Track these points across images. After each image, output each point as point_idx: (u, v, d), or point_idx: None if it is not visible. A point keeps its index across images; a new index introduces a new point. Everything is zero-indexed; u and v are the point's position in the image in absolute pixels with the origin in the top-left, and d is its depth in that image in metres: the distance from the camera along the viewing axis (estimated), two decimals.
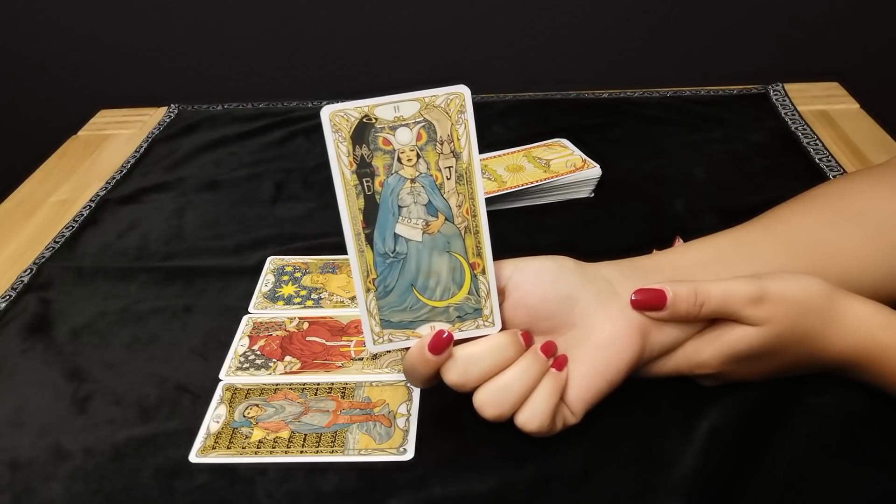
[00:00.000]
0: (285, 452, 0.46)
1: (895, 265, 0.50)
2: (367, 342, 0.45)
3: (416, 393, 0.50)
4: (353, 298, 0.59)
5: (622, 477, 0.44)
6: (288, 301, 0.60)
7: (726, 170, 0.75)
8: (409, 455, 0.46)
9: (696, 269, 0.48)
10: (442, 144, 0.42)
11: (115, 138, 0.92)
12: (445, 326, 0.44)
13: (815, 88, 0.90)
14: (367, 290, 0.44)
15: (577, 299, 0.44)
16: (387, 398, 0.50)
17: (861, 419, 0.46)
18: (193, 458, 0.47)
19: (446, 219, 0.43)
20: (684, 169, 0.76)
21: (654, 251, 0.52)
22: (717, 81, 0.95)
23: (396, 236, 0.43)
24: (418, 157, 0.42)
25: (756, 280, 0.43)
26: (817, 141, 0.78)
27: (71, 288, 0.64)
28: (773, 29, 1.17)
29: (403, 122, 0.42)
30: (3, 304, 0.62)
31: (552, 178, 0.71)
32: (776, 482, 0.43)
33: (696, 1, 1.16)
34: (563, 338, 0.45)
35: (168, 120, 0.95)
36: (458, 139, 0.42)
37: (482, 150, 0.75)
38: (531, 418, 0.42)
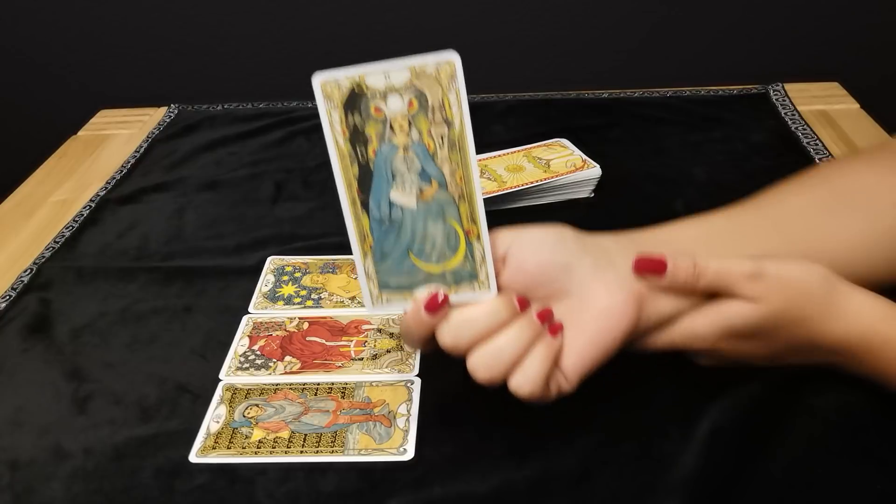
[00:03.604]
0: (285, 452, 0.47)
1: (886, 252, 0.50)
2: (366, 304, 0.45)
3: (416, 393, 0.50)
4: (352, 298, 0.59)
5: (622, 477, 0.44)
6: (288, 301, 0.60)
7: (726, 170, 0.75)
8: (409, 455, 0.46)
9: (691, 245, 0.48)
10: (433, 112, 0.42)
11: (115, 138, 0.92)
12: (442, 289, 0.44)
13: (815, 88, 0.90)
14: (365, 255, 0.44)
15: (574, 268, 0.44)
16: (387, 398, 0.50)
17: (861, 419, 0.46)
18: (193, 458, 0.47)
19: (440, 186, 0.43)
20: (684, 169, 0.76)
21: (652, 226, 0.52)
22: (717, 81, 0.95)
23: (391, 203, 0.43)
24: (410, 125, 0.42)
25: (755, 260, 0.44)
26: (817, 141, 0.78)
27: (71, 288, 0.64)
28: (773, 29, 1.17)
29: (394, 91, 0.41)
30: (4, 304, 0.62)
31: (552, 178, 0.71)
32: (776, 482, 0.43)
33: (696, 1, 1.16)
34: (559, 306, 0.44)
35: (168, 120, 0.95)
36: (450, 107, 0.42)
37: (482, 150, 0.75)
38: (523, 383, 0.42)
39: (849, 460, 0.44)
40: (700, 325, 0.45)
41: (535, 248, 0.45)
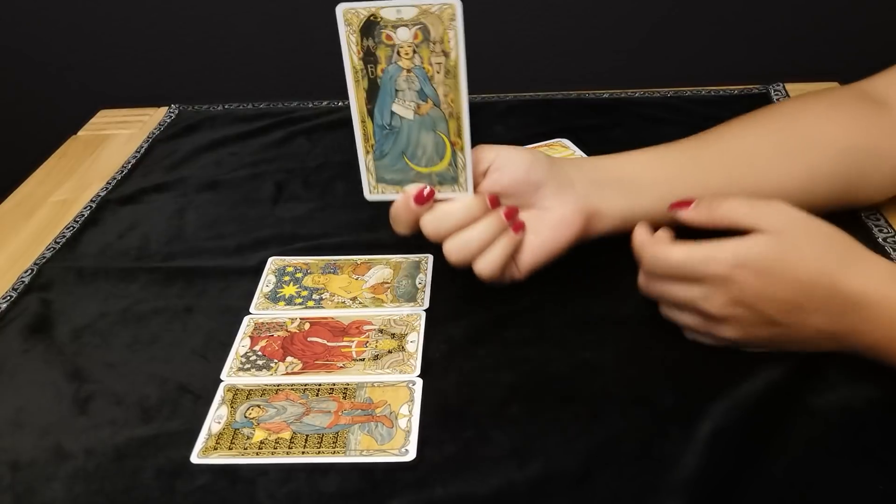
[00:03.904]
0: (287, 453, 0.47)
1: (824, 190, 0.58)
2: (365, 192, 0.55)
3: (418, 394, 0.50)
4: (354, 299, 0.60)
5: (623, 477, 0.44)
6: (289, 301, 0.60)
7: None
8: (411, 456, 0.46)
9: (646, 174, 0.56)
10: (434, 44, 0.50)
11: (115, 138, 0.92)
12: (428, 185, 0.53)
13: (816, 88, 0.90)
14: (367, 152, 0.53)
15: (541, 185, 0.54)
16: (388, 399, 0.50)
17: (861, 419, 0.46)
18: (195, 458, 0.47)
19: (434, 104, 0.52)
20: None
21: (617, 153, 0.60)
22: (717, 81, 0.95)
23: (392, 114, 0.52)
24: (414, 52, 0.51)
25: (769, 199, 0.48)
26: None
27: (72, 288, 0.64)
28: (773, 29, 1.17)
29: (403, 23, 0.50)
30: (4, 305, 0.62)
31: None
32: (777, 482, 0.43)
33: (696, 1, 1.16)
34: (525, 214, 0.54)
35: (168, 120, 0.95)
36: (448, 41, 0.50)
37: None
38: (485, 267, 0.52)
39: (849, 460, 0.44)
40: (719, 250, 0.47)
41: (512, 165, 0.54)
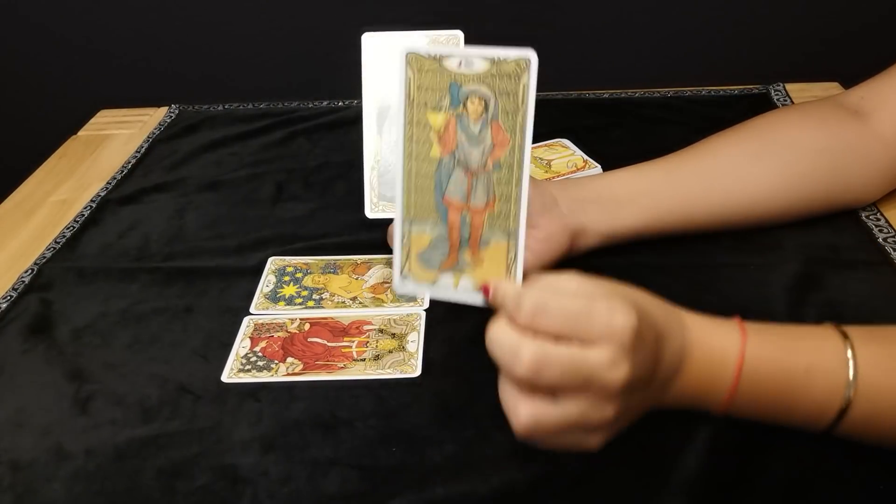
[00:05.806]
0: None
1: (802, 192, 0.60)
2: (366, 209, 0.58)
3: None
4: (353, 299, 0.59)
5: (624, 477, 0.44)
6: (289, 302, 0.60)
7: None
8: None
9: (631, 198, 0.58)
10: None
11: (115, 138, 0.92)
12: None
13: (815, 88, 0.90)
14: (373, 168, 0.57)
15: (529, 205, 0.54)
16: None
17: None
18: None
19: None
20: None
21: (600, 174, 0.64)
22: (718, 81, 0.95)
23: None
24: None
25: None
26: None
27: (72, 288, 0.64)
28: (773, 29, 1.17)
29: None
30: (4, 305, 0.62)
31: (553, 178, 0.71)
32: (778, 482, 0.43)
33: (696, 1, 1.16)
34: None
35: (169, 120, 0.95)
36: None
37: None
38: None
39: (850, 460, 0.44)
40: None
41: None
